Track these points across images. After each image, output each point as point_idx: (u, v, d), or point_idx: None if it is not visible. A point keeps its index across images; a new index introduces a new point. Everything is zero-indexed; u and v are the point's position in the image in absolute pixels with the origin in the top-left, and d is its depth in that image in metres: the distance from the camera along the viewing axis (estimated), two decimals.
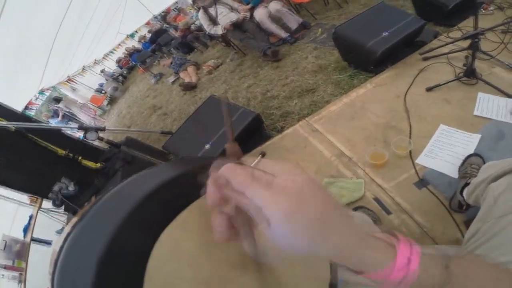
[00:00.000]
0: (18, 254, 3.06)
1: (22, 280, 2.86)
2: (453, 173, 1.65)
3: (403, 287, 0.34)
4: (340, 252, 0.32)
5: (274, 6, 4.39)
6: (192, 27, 7.45)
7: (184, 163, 0.56)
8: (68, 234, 0.39)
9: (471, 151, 1.69)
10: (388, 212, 1.67)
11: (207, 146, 2.51)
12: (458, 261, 0.37)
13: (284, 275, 0.48)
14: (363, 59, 2.71)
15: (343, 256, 0.33)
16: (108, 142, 2.50)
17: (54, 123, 8.71)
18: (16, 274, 2.93)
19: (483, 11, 2.73)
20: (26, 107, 8.48)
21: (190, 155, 2.49)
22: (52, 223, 3.47)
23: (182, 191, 0.45)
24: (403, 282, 0.33)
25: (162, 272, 0.39)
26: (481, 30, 1.98)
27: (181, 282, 0.40)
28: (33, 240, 3.29)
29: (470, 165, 1.53)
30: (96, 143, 2.90)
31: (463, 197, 1.35)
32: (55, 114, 9.10)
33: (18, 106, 5.96)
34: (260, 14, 4.38)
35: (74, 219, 0.44)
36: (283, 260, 0.35)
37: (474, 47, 2.01)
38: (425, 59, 2.51)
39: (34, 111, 9.03)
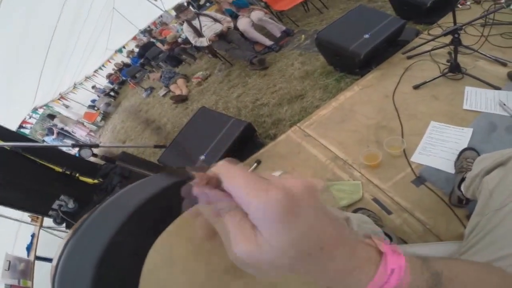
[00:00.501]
0: (23, 273, 2.97)
1: None
2: (449, 168, 1.61)
3: None
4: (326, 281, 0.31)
5: (256, 15, 4.39)
6: (179, 40, 7.40)
7: (182, 171, 0.53)
8: (64, 248, 0.39)
9: (465, 145, 1.65)
10: (389, 212, 1.62)
11: (202, 157, 2.45)
12: (446, 263, 0.36)
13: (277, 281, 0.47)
14: (348, 62, 2.68)
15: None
16: (102, 158, 2.45)
17: (49, 141, 8.58)
18: None
19: (460, 7, 2.73)
20: (20, 126, 8.38)
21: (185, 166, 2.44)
22: (55, 240, 3.38)
23: (176, 199, 0.41)
24: None
25: (156, 277, 0.39)
26: (460, 25, 1.97)
27: (175, 287, 0.41)
28: (37, 258, 3.20)
29: (465, 159, 1.49)
30: (92, 159, 2.83)
31: (461, 191, 1.31)
32: (50, 132, 8.95)
33: (12, 125, 5.88)
34: (243, 23, 4.37)
35: (70, 231, 0.43)
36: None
37: (455, 42, 1.99)
38: (409, 57, 2.49)
39: (29, 130, 8.90)
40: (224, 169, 0.30)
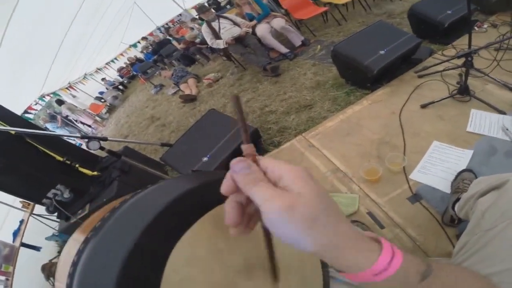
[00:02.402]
0: (6, 258, 3.01)
1: (8, 285, 2.81)
2: (446, 188, 1.67)
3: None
4: (323, 251, 0.35)
5: (278, 23, 4.49)
6: (197, 40, 7.56)
7: (201, 176, 0.59)
8: (84, 245, 0.42)
9: (464, 167, 1.72)
10: (382, 227, 1.68)
11: (205, 159, 2.50)
12: (437, 265, 0.41)
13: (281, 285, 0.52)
14: (360, 77, 2.75)
15: (326, 255, 0.36)
16: (109, 152, 2.49)
17: (52, 128, 8.72)
18: (2, 278, 2.88)
19: (477, 29, 2.81)
20: (25, 111, 8.51)
21: (202, 169, 2.49)
22: (42, 229, 3.43)
23: (196, 203, 0.49)
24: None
25: (178, 275, 0.42)
26: (474, 49, 2.04)
27: (195, 285, 0.44)
28: (23, 245, 3.26)
29: (463, 180, 1.55)
30: (96, 152, 2.90)
31: (454, 211, 1.37)
32: (53, 118, 9.11)
33: (17, 109, 5.98)
34: (261, 29, 4.47)
35: (80, 230, 0.50)
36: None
37: (467, 65, 2.06)
38: (420, 76, 2.57)
39: (32, 115, 9.04)
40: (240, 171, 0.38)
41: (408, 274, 0.37)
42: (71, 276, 0.39)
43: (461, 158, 1.79)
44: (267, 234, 0.44)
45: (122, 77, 13.16)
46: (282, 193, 0.34)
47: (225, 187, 0.39)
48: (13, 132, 2.35)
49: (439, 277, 0.40)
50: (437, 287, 0.39)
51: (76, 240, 0.49)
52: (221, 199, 0.42)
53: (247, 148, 0.39)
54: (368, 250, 0.37)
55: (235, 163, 0.38)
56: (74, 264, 0.40)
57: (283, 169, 0.37)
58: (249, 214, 0.41)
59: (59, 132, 8.70)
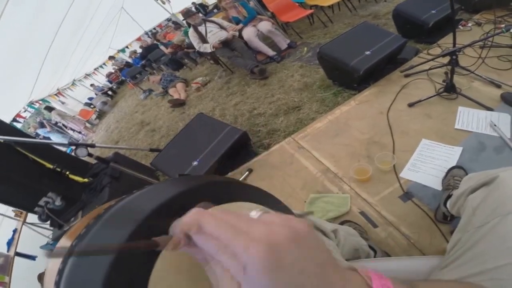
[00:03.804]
0: (1, 268, 2.97)
1: None
2: (437, 185, 1.66)
3: None
4: None
5: (265, 27, 4.47)
6: (184, 44, 7.51)
7: (188, 180, 0.57)
8: (69, 253, 0.39)
9: (454, 164, 1.71)
10: (375, 226, 1.66)
11: (195, 163, 2.49)
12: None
13: None
14: (347, 77, 2.74)
15: None
16: (97, 158, 2.45)
17: (42, 133, 8.58)
18: None
19: (462, 28, 2.83)
20: (14, 119, 8.37)
21: (189, 173, 2.47)
22: (36, 237, 3.37)
23: (182, 208, 0.44)
24: None
25: (164, 282, 0.41)
26: (459, 47, 2.05)
27: None
28: (17, 254, 3.18)
29: (453, 177, 1.55)
30: (85, 159, 2.85)
31: (447, 208, 1.36)
32: (42, 126, 8.99)
33: (5, 118, 5.87)
34: (248, 32, 4.45)
35: (66, 237, 0.47)
36: None
37: (453, 63, 2.06)
38: (407, 76, 2.56)
39: (22, 124, 8.89)
40: (206, 219, 0.31)
41: None
42: (57, 284, 0.38)
43: (450, 155, 1.78)
44: None
45: (111, 82, 13.03)
46: (261, 243, 0.27)
47: (175, 245, 0.32)
48: (1, 141, 2.29)
49: None
50: None
51: (62, 246, 0.48)
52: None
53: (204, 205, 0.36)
54: None
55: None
56: (60, 273, 0.38)
57: (228, 259, 0.28)
58: None
59: (51, 137, 8.58)
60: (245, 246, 0.27)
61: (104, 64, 13.96)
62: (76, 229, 0.46)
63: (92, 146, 2.51)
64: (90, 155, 2.36)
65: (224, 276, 0.29)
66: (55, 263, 0.40)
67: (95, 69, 13.93)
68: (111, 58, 13.13)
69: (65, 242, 0.47)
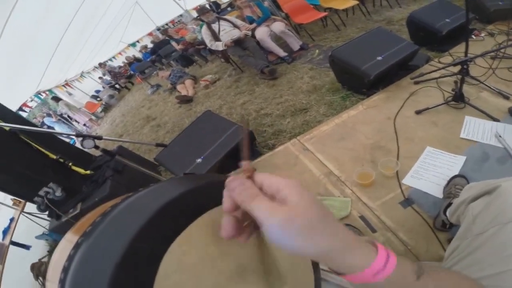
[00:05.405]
0: None
1: None
2: (438, 193, 1.68)
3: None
4: (324, 254, 0.37)
5: (278, 27, 4.53)
6: (196, 41, 7.58)
7: (194, 179, 0.59)
8: (75, 250, 0.41)
9: (456, 172, 1.74)
10: (373, 230, 1.69)
11: (199, 160, 2.50)
12: (427, 265, 0.43)
13: None
14: (357, 82, 2.77)
15: (327, 258, 0.38)
16: (103, 151, 2.48)
17: (49, 122, 8.68)
18: None
19: (475, 38, 2.85)
20: (20, 108, 8.48)
21: (192, 170, 2.50)
22: (32, 227, 3.41)
23: (188, 207, 0.49)
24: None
25: (168, 282, 0.41)
26: (470, 57, 2.07)
27: None
28: (12, 243, 3.23)
29: (455, 185, 1.57)
30: (90, 151, 2.88)
31: (446, 216, 1.39)
32: (49, 116, 9.10)
33: (12, 106, 5.96)
34: (261, 32, 4.50)
35: (73, 232, 0.50)
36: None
37: (463, 73, 2.09)
38: (416, 83, 2.60)
39: (27, 113, 9.00)
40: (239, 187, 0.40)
41: (405, 273, 0.40)
42: (62, 282, 0.39)
43: (453, 163, 1.80)
44: (261, 241, 0.46)
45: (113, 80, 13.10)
46: (281, 206, 0.36)
47: (226, 206, 0.41)
48: (7, 129, 2.33)
49: (432, 276, 0.42)
50: (433, 285, 0.41)
51: (69, 241, 0.49)
52: (213, 203, 0.44)
53: (245, 165, 0.41)
54: (365, 251, 0.39)
55: (230, 181, 0.41)
56: (65, 270, 0.40)
57: (279, 183, 0.38)
58: (245, 227, 0.43)
59: (56, 127, 8.69)
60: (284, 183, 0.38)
61: (113, 57, 14.09)
62: (82, 225, 0.49)
63: (99, 138, 2.53)
64: (96, 147, 2.39)
65: (271, 203, 0.37)
66: (60, 257, 0.42)
67: (104, 62, 14.06)
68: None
69: (72, 237, 0.49)
